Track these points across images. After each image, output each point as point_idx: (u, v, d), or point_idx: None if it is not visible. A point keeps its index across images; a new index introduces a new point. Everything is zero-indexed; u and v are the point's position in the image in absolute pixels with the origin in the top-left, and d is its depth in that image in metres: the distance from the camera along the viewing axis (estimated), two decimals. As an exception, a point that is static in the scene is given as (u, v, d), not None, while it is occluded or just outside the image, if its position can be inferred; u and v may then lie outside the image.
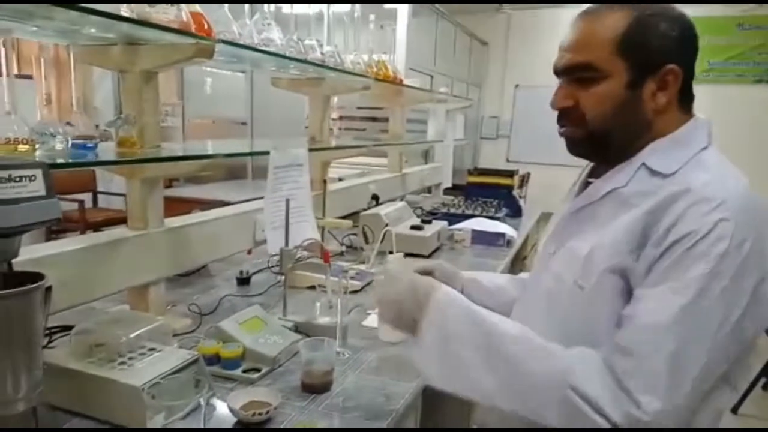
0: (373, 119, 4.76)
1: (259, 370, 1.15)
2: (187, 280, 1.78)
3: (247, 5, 1.63)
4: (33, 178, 0.63)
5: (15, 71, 1.02)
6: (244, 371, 1.14)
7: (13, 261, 1.02)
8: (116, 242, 1.25)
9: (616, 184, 0.84)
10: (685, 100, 0.85)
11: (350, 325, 1.44)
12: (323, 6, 2.14)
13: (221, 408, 1.01)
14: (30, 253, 1.06)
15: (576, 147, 0.89)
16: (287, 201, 1.38)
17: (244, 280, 1.79)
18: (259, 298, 1.65)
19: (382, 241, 1.89)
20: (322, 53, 1.95)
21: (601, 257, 0.80)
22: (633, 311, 0.75)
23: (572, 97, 0.85)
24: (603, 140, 0.86)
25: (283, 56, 1.52)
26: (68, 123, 1.11)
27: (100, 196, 4.93)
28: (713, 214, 0.72)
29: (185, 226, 1.44)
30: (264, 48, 1.48)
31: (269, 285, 1.74)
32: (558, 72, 0.88)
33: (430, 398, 1.24)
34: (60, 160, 0.96)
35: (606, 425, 0.69)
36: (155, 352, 1.01)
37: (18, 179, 0.61)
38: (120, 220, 4.68)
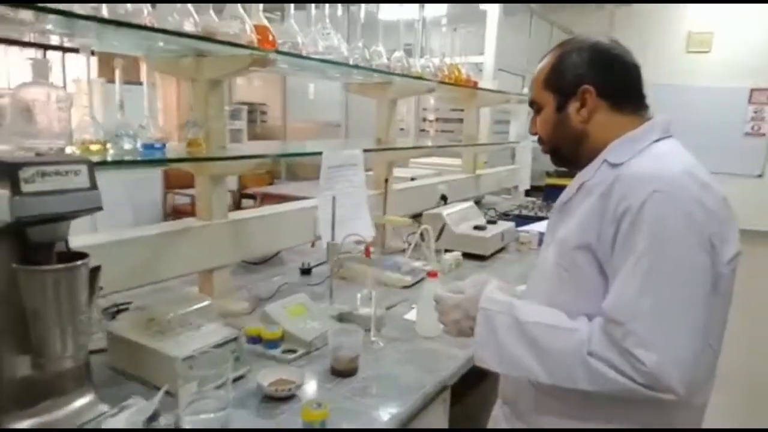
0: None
1: (295, 352, 1.26)
2: (259, 268, 1.95)
3: (316, 11, 1.75)
4: (78, 172, 0.78)
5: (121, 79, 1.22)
6: (283, 352, 1.26)
7: (95, 242, 1.22)
8: (184, 231, 1.42)
9: (584, 179, 1.00)
10: (624, 104, 0.99)
11: (391, 317, 1.52)
12: (415, 12, 2.27)
13: (254, 382, 1.12)
14: (107, 237, 1.25)
15: (552, 160, 1.10)
16: (333, 198, 1.47)
17: (306, 271, 1.92)
18: (315, 287, 1.77)
19: (437, 240, 1.94)
20: (388, 59, 2.04)
21: (571, 239, 0.95)
22: (611, 286, 0.88)
23: (535, 125, 1.09)
24: (558, 153, 1.07)
25: (335, 63, 1.62)
26: (141, 126, 1.28)
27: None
28: (645, 188, 0.85)
29: (246, 219, 1.59)
30: (320, 56, 1.59)
31: (327, 276, 1.85)
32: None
33: (457, 387, 1.28)
34: (127, 158, 1.13)
35: (624, 380, 0.82)
36: (201, 328, 1.15)
37: (64, 173, 0.76)
38: (225, 213, 5.17)
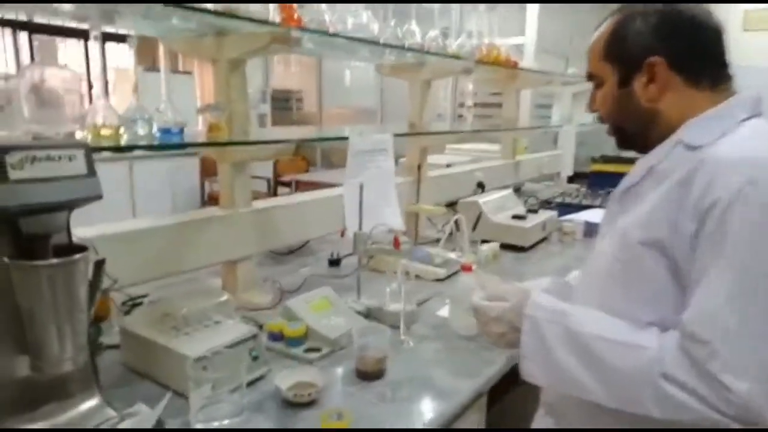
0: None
1: (318, 350, 1.17)
2: (286, 258, 1.88)
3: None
4: (73, 157, 0.70)
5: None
6: (306, 350, 1.18)
7: (106, 232, 1.16)
8: (206, 221, 1.35)
9: (652, 162, 0.86)
10: (702, 78, 0.84)
11: (423, 313, 1.42)
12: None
13: (274, 384, 1.04)
14: (122, 227, 1.19)
15: (617, 141, 0.97)
16: (360, 185, 1.38)
17: (334, 262, 1.84)
18: (343, 279, 1.68)
19: (474, 229, 1.83)
20: (422, 38, 1.92)
21: (636, 231, 0.81)
22: (692, 296, 0.75)
23: (594, 101, 0.95)
24: (622, 133, 0.93)
25: (363, 41, 1.51)
26: (157, 110, 1.22)
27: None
28: (738, 177, 0.71)
29: (271, 208, 1.51)
30: (349, 35, 1.48)
31: (356, 267, 1.77)
32: None
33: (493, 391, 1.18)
34: (141, 143, 1.06)
35: (706, 410, 0.70)
36: (219, 325, 1.07)
37: (57, 158, 0.69)
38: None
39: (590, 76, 0.94)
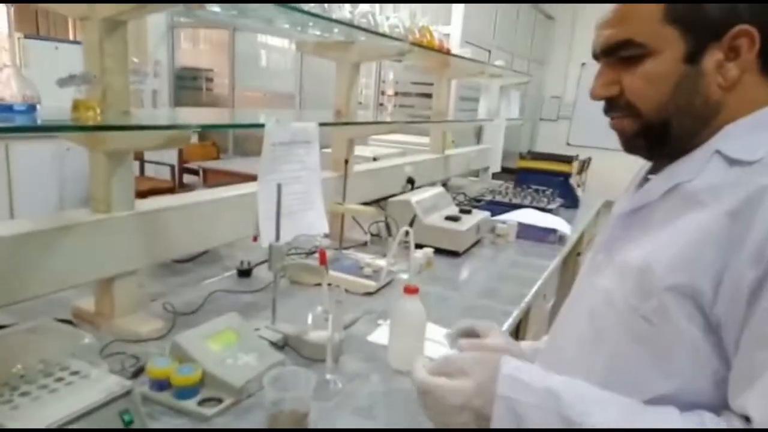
0: (428, 95, 4.47)
1: (219, 401, 0.90)
2: (185, 267, 1.57)
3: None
4: None
5: None
6: (202, 402, 0.90)
7: None
8: (67, 228, 1.02)
9: (680, 178, 0.65)
10: None
11: (352, 339, 1.18)
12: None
13: (154, 458, 0.77)
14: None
15: (629, 142, 0.71)
16: (278, 186, 1.11)
17: (244, 272, 1.55)
18: (255, 295, 1.41)
19: (406, 234, 1.61)
20: (350, 12, 1.67)
21: (662, 271, 0.60)
22: (750, 367, 0.54)
23: (615, 83, 0.69)
24: (661, 132, 0.67)
25: (284, 4, 1.24)
26: (-7, 80, 0.88)
27: (148, 166, 4.88)
28: None
29: (161, 211, 1.20)
30: (264, -4, 1.20)
31: (270, 282, 1.49)
32: (597, 55, 0.71)
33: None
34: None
35: None
36: (76, 378, 0.77)
37: None
38: (166, 190, 4.67)
39: (622, 45, 0.66)
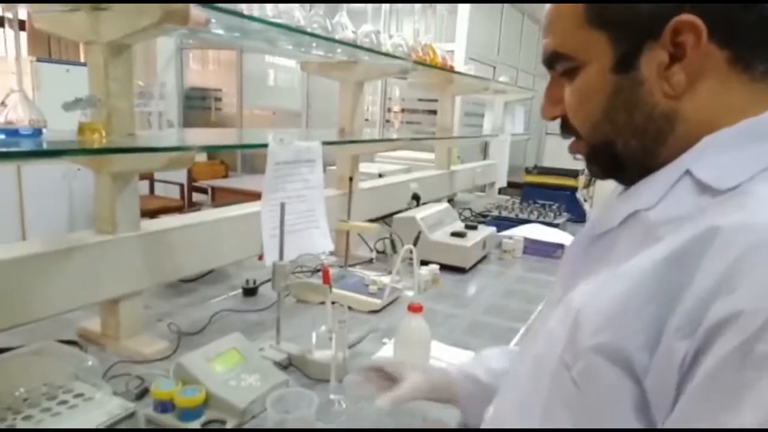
0: (434, 112, 4.50)
1: (224, 423, 0.90)
2: (190, 286, 1.57)
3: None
4: None
5: None
6: (206, 424, 0.90)
7: None
8: (71, 250, 1.03)
9: (639, 204, 0.52)
10: (756, 62, 0.49)
11: (357, 357, 1.18)
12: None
13: (157, 482, 0.76)
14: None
15: (589, 167, 0.60)
16: (282, 205, 1.12)
17: (250, 291, 1.55)
18: (260, 314, 1.41)
19: (410, 252, 1.60)
20: (353, 32, 1.69)
21: (590, 325, 0.48)
22: None
23: (561, 101, 0.58)
24: (607, 154, 0.56)
25: (286, 27, 1.25)
26: (2, 103, 0.90)
27: (157, 185, 4.93)
28: None
29: (166, 231, 1.21)
30: (267, 19, 1.22)
31: (275, 301, 1.49)
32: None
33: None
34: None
35: None
36: (79, 401, 0.78)
37: None
38: (175, 209, 4.70)
39: (554, 58, 0.57)
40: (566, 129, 0.60)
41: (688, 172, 0.49)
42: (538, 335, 0.61)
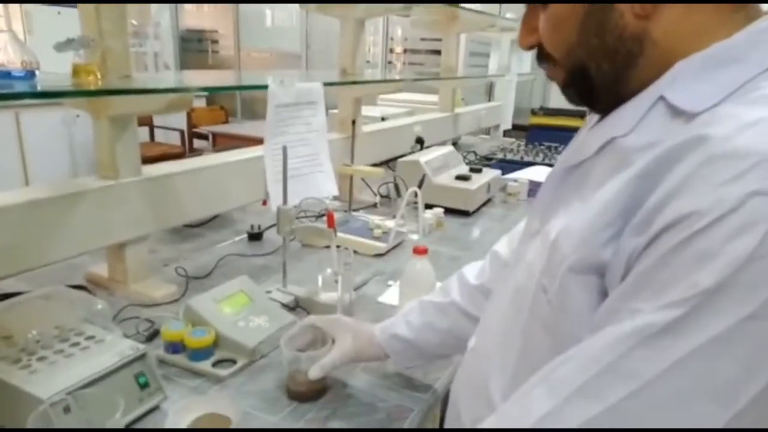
0: (438, 52, 4.38)
1: (232, 363, 0.92)
2: (196, 231, 1.58)
3: None
4: None
5: None
6: (216, 363, 0.92)
7: None
8: (75, 195, 1.03)
9: (615, 132, 0.53)
10: None
11: (362, 300, 1.19)
12: None
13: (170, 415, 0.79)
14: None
15: (564, 93, 0.61)
16: (284, 148, 1.10)
17: (255, 236, 1.56)
18: (266, 258, 1.41)
19: (415, 195, 1.60)
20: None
21: (566, 247, 0.51)
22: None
23: (534, 30, 0.59)
24: (581, 78, 0.56)
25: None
26: (-9, 46, 0.87)
27: (157, 131, 4.88)
28: (740, 184, 0.40)
29: (168, 176, 1.20)
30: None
31: (281, 246, 1.50)
32: None
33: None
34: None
35: None
36: (90, 343, 0.79)
37: None
38: (176, 155, 4.67)
39: None
40: (542, 57, 0.60)
41: (661, 98, 0.50)
42: (517, 267, 0.63)
